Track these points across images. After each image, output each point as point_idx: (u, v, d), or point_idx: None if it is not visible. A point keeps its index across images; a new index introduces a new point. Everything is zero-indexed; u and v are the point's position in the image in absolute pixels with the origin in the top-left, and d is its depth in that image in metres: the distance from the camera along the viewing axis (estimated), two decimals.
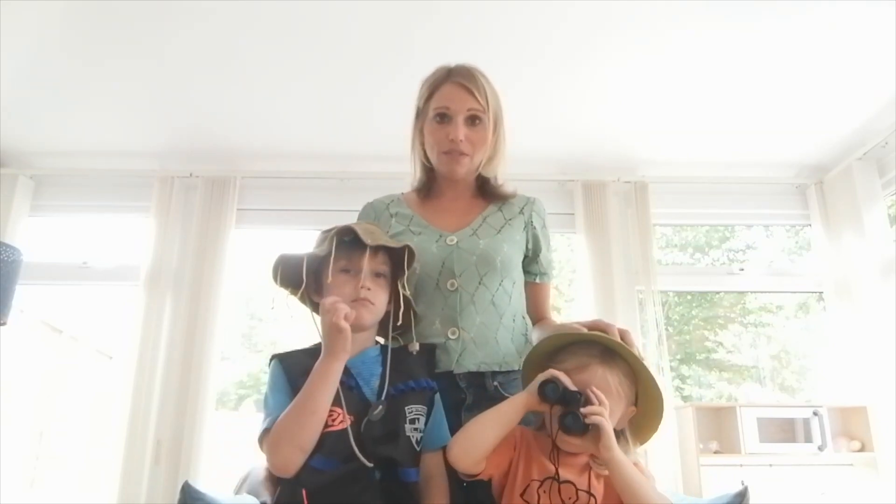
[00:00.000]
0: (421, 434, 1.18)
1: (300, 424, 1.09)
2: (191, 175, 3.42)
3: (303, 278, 1.21)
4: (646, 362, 1.17)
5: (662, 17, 2.46)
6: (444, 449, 1.18)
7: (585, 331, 1.18)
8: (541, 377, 1.12)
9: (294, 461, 1.09)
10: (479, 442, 1.12)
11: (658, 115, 3.11)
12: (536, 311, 1.52)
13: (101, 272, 3.49)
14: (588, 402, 1.08)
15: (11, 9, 2.38)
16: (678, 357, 4.33)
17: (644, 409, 1.18)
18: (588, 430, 1.07)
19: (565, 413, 1.08)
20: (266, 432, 1.12)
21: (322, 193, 3.50)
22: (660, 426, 1.19)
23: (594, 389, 1.10)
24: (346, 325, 1.09)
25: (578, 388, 1.10)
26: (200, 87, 2.91)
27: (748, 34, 2.55)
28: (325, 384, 1.10)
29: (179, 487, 1.17)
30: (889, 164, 3.20)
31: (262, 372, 4.31)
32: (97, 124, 3.21)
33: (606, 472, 1.13)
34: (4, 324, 2.71)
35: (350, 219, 1.34)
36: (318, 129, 3.25)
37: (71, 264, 3.49)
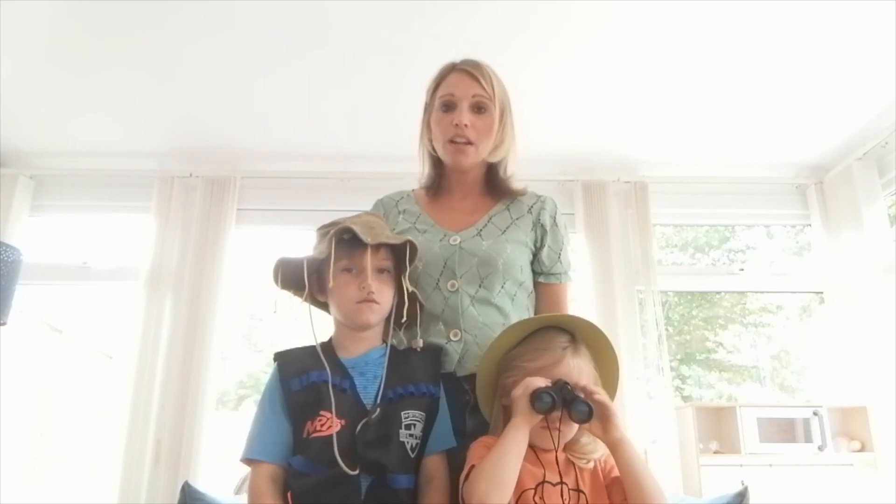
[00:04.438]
0: (417, 441, 1.16)
1: None
2: (191, 175, 3.42)
3: (305, 282, 1.20)
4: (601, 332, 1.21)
5: (662, 17, 2.46)
6: (448, 452, 1.18)
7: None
8: (520, 392, 1.09)
9: None
10: (510, 482, 1.05)
11: (658, 115, 3.10)
12: (550, 313, 1.46)
13: (101, 272, 3.49)
14: (577, 387, 1.09)
15: (11, 9, 2.38)
16: (678, 357, 4.32)
17: (602, 374, 1.22)
18: (594, 413, 1.07)
19: (568, 406, 1.07)
20: (245, 461, 1.14)
21: (322, 193, 3.50)
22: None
23: (584, 383, 1.12)
24: None
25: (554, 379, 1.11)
26: (200, 86, 2.91)
27: (748, 34, 2.55)
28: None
29: (179, 487, 1.17)
30: (889, 164, 3.20)
31: (263, 372, 4.30)
32: (97, 124, 3.20)
33: (591, 466, 1.13)
34: (4, 324, 2.71)
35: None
36: (318, 129, 3.25)
37: (71, 264, 3.49)
